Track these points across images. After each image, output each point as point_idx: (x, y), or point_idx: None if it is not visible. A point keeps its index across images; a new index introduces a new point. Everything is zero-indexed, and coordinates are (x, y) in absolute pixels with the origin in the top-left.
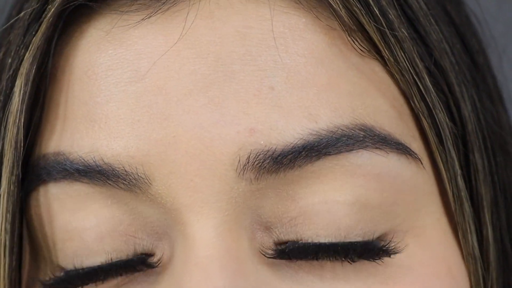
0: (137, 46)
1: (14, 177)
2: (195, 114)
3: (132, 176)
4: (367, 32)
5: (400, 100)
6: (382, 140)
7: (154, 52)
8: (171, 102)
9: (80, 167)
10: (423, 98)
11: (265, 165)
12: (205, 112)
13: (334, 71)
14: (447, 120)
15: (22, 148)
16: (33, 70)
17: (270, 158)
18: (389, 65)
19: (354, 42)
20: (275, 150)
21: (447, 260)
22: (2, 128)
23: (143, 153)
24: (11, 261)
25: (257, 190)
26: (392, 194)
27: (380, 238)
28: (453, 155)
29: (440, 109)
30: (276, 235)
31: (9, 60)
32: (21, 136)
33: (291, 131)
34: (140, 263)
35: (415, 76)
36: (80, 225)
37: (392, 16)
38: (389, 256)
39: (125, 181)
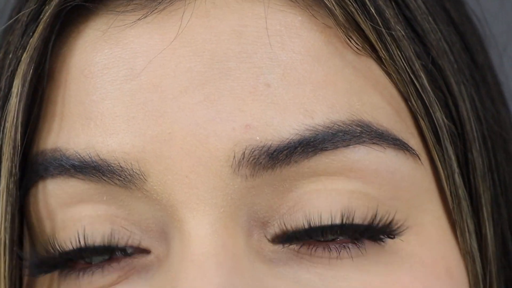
0: (133, 45)
1: (12, 177)
2: (190, 111)
3: (127, 172)
4: (364, 31)
5: (398, 98)
6: (379, 136)
7: (150, 50)
8: (167, 99)
9: (76, 163)
10: (420, 97)
11: (261, 161)
12: (201, 109)
13: (330, 69)
14: (445, 119)
15: (20, 148)
16: (31, 71)
17: (265, 154)
18: (385, 64)
19: (350, 41)
20: (270, 145)
21: (446, 259)
22: (1, 128)
23: (138, 150)
24: (11, 260)
25: (252, 187)
26: (391, 189)
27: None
28: (451, 153)
29: (438, 108)
30: (275, 227)
31: (8, 61)
32: (19, 135)
33: (287, 127)
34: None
35: (411, 75)
36: (77, 214)
37: (389, 15)
38: (393, 237)
39: (120, 177)
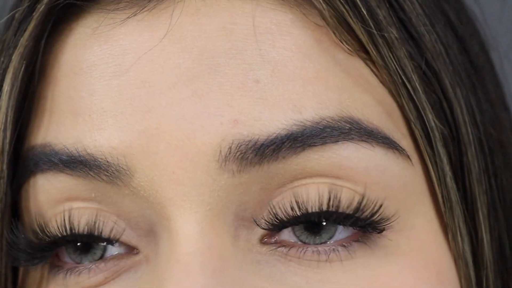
0: (122, 42)
1: (2, 171)
2: (178, 106)
3: (114, 167)
4: (355, 32)
5: (389, 99)
6: (369, 134)
7: (139, 47)
8: (154, 94)
9: (64, 158)
10: (411, 99)
11: (248, 156)
12: (189, 104)
13: (322, 66)
14: (437, 121)
15: (9, 146)
16: (22, 68)
17: (252, 148)
18: (377, 65)
19: (342, 42)
20: (257, 140)
21: (437, 264)
22: None
23: (126, 145)
24: (1, 257)
25: (240, 184)
26: (381, 188)
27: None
28: (443, 156)
29: (429, 111)
30: (266, 219)
31: (1, 59)
32: (8, 132)
33: (275, 122)
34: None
35: (403, 77)
36: (67, 207)
37: (381, 16)
38: (379, 231)
39: (107, 172)
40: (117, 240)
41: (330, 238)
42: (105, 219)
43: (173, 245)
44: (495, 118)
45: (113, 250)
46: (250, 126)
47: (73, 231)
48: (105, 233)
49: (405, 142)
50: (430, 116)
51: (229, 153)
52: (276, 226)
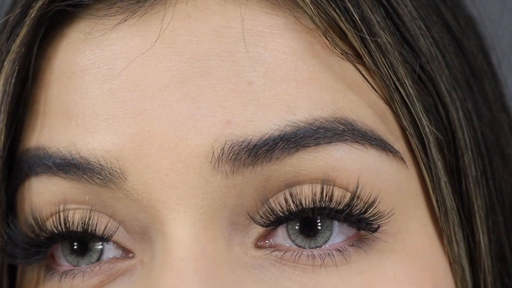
0: (114, 46)
1: None
2: (170, 108)
3: (107, 170)
4: (348, 37)
5: (383, 102)
6: (362, 135)
7: (130, 52)
8: (146, 97)
9: (58, 161)
10: (404, 104)
11: (241, 156)
12: (181, 106)
13: (315, 68)
14: (430, 126)
15: (4, 150)
16: (14, 74)
17: (245, 149)
18: (370, 70)
19: (334, 47)
20: (250, 141)
21: (432, 269)
22: None
23: (118, 148)
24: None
25: (233, 186)
26: (376, 190)
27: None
28: (437, 161)
29: (424, 116)
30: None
31: None
32: (2, 137)
33: (268, 122)
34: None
35: (396, 82)
36: (62, 208)
37: (374, 20)
38: (373, 229)
39: (100, 175)
40: (111, 239)
41: (325, 242)
42: (99, 217)
43: (167, 250)
44: (493, 121)
45: (109, 253)
46: (243, 126)
47: (68, 227)
48: (99, 230)
49: (399, 145)
50: (423, 121)
51: (222, 154)
52: (271, 222)
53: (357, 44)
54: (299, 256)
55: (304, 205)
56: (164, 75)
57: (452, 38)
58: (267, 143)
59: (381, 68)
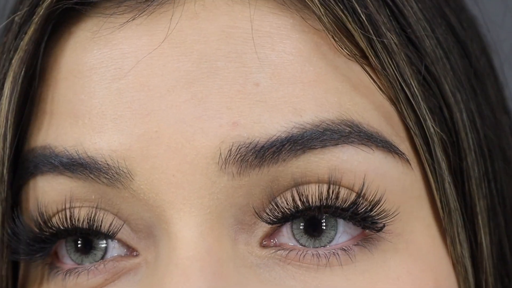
0: (122, 46)
1: (3, 176)
2: (177, 109)
3: (114, 170)
4: (355, 37)
5: (389, 104)
6: (368, 137)
7: (138, 51)
8: (154, 98)
9: (64, 160)
10: (410, 105)
11: (248, 158)
12: (188, 107)
13: (322, 69)
14: (435, 127)
15: (10, 150)
16: (22, 72)
17: (252, 151)
18: (376, 71)
19: (341, 48)
20: (257, 142)
21: (435, 270)
22: None
23: (125, 148)
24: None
25: (240, 187)
26: (381, 190)
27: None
28: (441, 162)
29: (429, 117)
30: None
31: (2, 62)
32: (8, 136)
33: (275, 124)
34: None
35: (402, 83)
36: (67, 206)
37: (381, 21)
38: (378, 228)
39: (107, 175)
40: (116, 236)
41: (330, 242)
42: (104, 214)
43: (172, 249)
44: (495, 123)
45: (113, 252)
46: (249, 128)
47: (73, 223)
48: (105, 227)
49: (405, 146)
50: (429, 122)
51: (229, 156)
52: (278, 219)
53: (363, 44)
54: (304, 256)
55: (311, 202)
56: (172, 76)
57: (456, 40)
58: (274, 145)
59: (387, 69)
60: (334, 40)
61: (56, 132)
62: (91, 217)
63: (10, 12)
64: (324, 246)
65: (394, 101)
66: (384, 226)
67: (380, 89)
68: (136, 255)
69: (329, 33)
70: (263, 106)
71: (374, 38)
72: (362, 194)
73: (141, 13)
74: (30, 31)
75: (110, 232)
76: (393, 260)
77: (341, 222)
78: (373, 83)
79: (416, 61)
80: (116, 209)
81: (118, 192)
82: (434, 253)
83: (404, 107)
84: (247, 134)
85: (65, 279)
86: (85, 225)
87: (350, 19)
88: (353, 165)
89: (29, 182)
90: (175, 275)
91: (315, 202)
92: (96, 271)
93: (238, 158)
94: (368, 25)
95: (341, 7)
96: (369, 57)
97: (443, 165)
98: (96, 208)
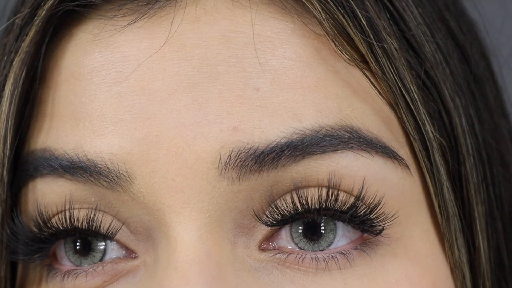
0: (123, 49)
1: (2, 178)
2: (178, 113)
3: (114, 173)
4: (355, 42)
5: (388, 109)
6: (368, 143)
7: (139, 54)
8: (154, 101)
9: (64, 163)
10: (409, 110)
11: (247, 163)
12: (188, 111)
13: (321, 74)
14: (435, 132)
15: (10, 152)
16: (22, 74)
17: (252, 156)
18: (376, 76)
19: (341, 52)
20: (257, 148)
21: (433, 274)
22: None
23: (126, 151)
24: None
25: (239, 191)
26: (380, 194)
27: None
28: (440, 167)
29: (428, 122)
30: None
31: (2, 64)
32: (9, 138)
33: (275, 130)
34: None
35: (402, 88)
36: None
37: (381, 26)
38: (377, 231)
39: (107, 178)
40: (115, 237)
41: (329, 245)
42: (103, 215)
43: (171, 252)
44: (494, 127)
45: (112, 253)
46: (249, 133)
47: (73, 223)
48: (104, 228)
49: (403, 152)
50: (428, 127)
51: (229, 161)
52: (277, 221)
53: (364, 49)
54: (303, 259)
55: (310, 205)
56: (172, 80)
57: (456, 44)
58: (274, 151)
59: (387, 74)
60: (335, 44)
61: (57, 134)
62: (90, 218)
63: (10, 13)
64: (323, 250)
65: (393, 106)
66: (383, 229)
67: (380, 94)
68: (135, 257)
69: (329, 37)
70: (263, 111)
71: (375, 42)
72: (361, 197)
73: (142, 16)
74: (31, 33)
75: (109, 233)
76: (391, 265)
77: (340, 225)
78: (373, 88)
79: (416, 66)
80: (116, 211)
81: (118, 195)
82: (433, 258)
83: (404, 112)
84: (246, 140)
85: (63, 280)
86: (84, 225)
87: (350, 23)
88: (353, 171)
89: (29, 184)
90: (174, 278)
91: (315, 204)
92: (95, 273)
93: (238, 163)
94: (368, 30)
95: (342, 11)
96: (369, 61)
97: (442, 170)
98: (96, 209)
